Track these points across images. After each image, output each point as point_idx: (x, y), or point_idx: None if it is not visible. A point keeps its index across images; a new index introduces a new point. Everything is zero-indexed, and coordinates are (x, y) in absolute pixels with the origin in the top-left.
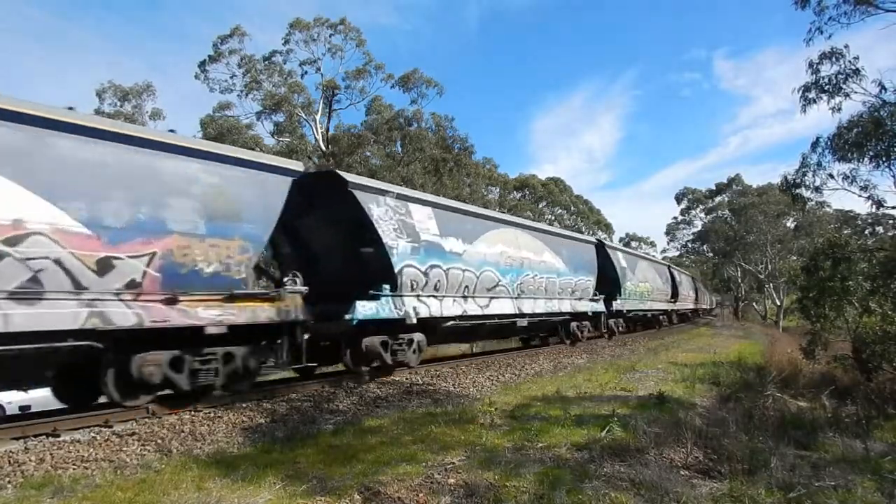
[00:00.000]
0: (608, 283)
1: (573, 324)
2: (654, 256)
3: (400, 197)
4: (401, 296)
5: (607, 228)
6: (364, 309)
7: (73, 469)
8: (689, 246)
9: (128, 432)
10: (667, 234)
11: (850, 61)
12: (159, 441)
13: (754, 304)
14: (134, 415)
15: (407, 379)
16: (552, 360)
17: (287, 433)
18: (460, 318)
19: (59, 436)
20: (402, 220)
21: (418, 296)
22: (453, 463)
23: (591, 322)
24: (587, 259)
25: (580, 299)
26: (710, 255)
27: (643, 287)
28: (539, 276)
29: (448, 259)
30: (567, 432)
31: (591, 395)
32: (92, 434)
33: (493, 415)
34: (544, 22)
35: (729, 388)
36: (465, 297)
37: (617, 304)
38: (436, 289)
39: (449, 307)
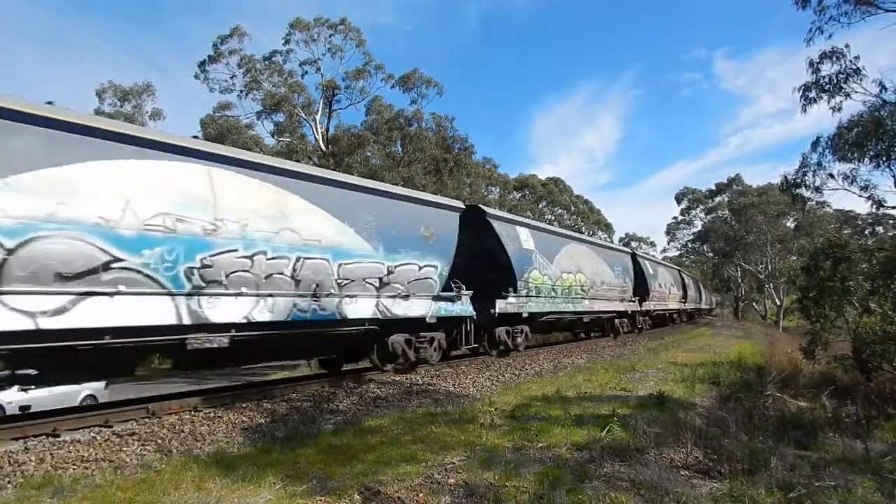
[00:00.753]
0: (499, 271)
1: (394, 338)
2: (611, 243)
3: None
4: None
5: (607, 228)
6: None
7: (73, 469)
8: (690, 246)
9: (128, 432)
10: (667, 234)
11: (850, 61)
12: (159, 441)
13: (754, 304)
14: (134, 415)
15: (407, 379)
16: (552, 360)
17: (287, 433)
18: None
19: (59, 436)
20: None
21: None
22: (453, 463)
23: (450, 332)
24: (431, 233)
25: (405, 297)
26: (710, 255)
27: (571, 279)
28: (278, 255)
29: None
30: (567, 432)
31: (591, 395)
32: (92, 434)
33: (493, 415)
34: (544, 22)
35: (729, 388)
36: None
37: (506, 305)
38: None
39: None
